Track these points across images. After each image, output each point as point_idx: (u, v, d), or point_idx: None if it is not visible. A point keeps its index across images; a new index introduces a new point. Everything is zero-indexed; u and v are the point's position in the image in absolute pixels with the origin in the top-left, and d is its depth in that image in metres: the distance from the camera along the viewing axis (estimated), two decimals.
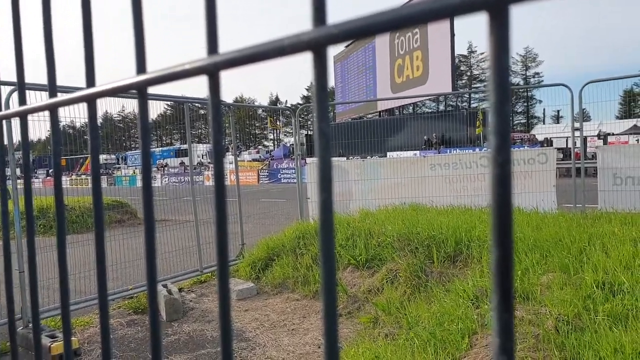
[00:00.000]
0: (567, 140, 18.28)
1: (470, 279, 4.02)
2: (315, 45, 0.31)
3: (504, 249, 0.26)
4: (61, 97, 0.56)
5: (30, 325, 4.03)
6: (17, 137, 4.34)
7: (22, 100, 0.66)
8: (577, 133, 7.27)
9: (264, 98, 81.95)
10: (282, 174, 27.32)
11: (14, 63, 0.74)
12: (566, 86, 7.38)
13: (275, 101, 74.11)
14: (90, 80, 0.53)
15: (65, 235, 0.65)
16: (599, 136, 20.26)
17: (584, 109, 7.81)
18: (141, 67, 0.46)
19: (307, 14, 0.33)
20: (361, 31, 0.29)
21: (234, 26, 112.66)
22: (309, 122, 53.16)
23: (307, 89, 69.74)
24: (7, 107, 4.03)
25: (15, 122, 0.72)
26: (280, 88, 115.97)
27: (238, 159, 7.69)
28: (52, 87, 0.59)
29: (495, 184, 0.26)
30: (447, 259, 4.79)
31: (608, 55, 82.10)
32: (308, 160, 10.92)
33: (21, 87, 0.67)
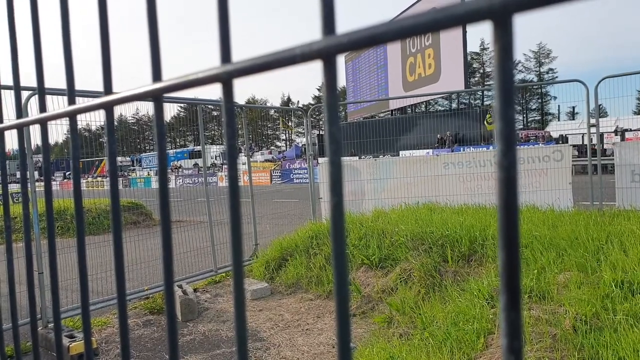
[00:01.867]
0: (582, 137, 18.00)
1: (485, 278, 3.99)
2: (325, 54, 0.31)
3: (511, 251, 0.26)
4: (80, 104, 0.57)
5: (50, 325, 4.12)
6: (34, 140, 4.43)
7: (42, 108, 0.68)
8: (593, 129, 7.16)
9: (275, 99, 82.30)
10: (295, 174, 27.39)
11: (29, 67, 0.76)
12: (581, 82, 7.27)
13: (287, 102, 74.31)
14: (108, 88, 0.54)
15: (84, 238, 0.67)
16: (616, 132, 19.90)
17: (600, 104, 7.68)
18: (157, 76, 0.47)
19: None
20: (369, 40, 0.29)
21: (244, 23, 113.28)
22: (321, 122, 53.15)
23: (318, 89, 69.76)
24: (26, 111, 4.11)
25: (34, 127, 0.75)
26: (292, 89, 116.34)
27: (251, 159, 7.73)
28: (71, 94, 0.61)
29: (501, 188, 0.26)
30: (461, 258, 4.76)
31: (625, 50, 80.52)
32: (320, 160, 10.93)
33: (41, 93, 0.69)
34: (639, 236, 4.25)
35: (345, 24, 0.32)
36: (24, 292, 0.96)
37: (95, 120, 5.30)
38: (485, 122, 18.46)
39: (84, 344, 0.72)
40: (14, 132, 0.84)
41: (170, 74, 0.46)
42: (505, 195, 0.26)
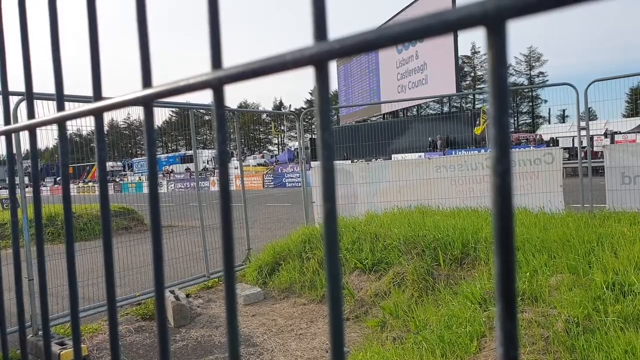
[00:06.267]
0: (573, 140, 18.17)
1: (478, 281, 4.00)
2: (317, 60, 0.31)
3: (506, 257, 0.26)
4: (69, 110, 0.57)
5: (40, 333, 4.07)
6: (24, 146, 4.39)
7: (31, 114, 0.67)
8: (583, 132, 7.23)
9: (268, 102, 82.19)
10: (287, 178, 27.35)
11: (20, 72, 0.75)
12: (571, 85, 7.34)
13: (279, 106, 74.32)
14: (97, 94, 0.54)
15: (74, 244, 0.66)
16: (605, 135, 20.11)
17: (589, 107, 7.76)
18: (147, 82, 0.46)
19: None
20: (361, 47, 0.29)
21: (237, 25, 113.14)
22: (313, 126, 53.16)
23: (310, 93, 69.86)
24: (15, 117, 4.07)
25: (24, 132, 0.74)
26: (284, 92, 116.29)
27: (243, 163, 7.71)
28: (60, 101, 0.60)
29: (496, 194, 0.26)
30: (454, 262, 4.77)
31: (614, 53, 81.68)
32: (312, 164, 10.93)
33: (30, 99, 0.68)
34: (630, 238, 4.30)
35: (337, 29, 0.32)
36: (14, 299, 0.95)
37: (85, 125, 5.26)
38: (483, 118, 18.56)
39: (74, 352, 0.71)
40: (3, 138, 0.83)
41: (165, 74, 0.45)
42: (500, 201, 0.26)
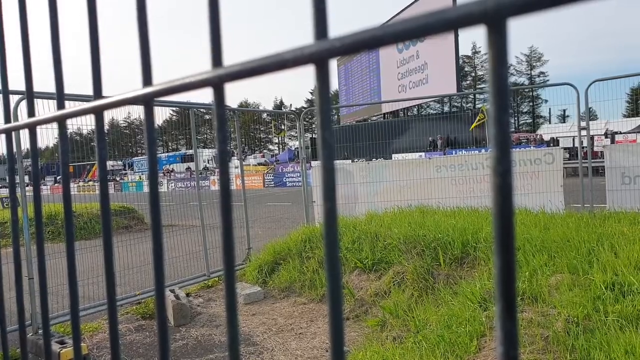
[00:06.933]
0: (573, 140, 18.17)
1: (478, 281, 4.00)
2: (317, 58, 0.31)
3: (506, 257, 0.26)
4: (69, 109, 0.57)
5: (40, 331, 4.07)
6: (25, 144, 4.39)
7: (31, 112, 0.67)
8: (583, 132, 7.22)
9: (268, 102, 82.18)
10: (288, 177, 27.35)
11: (20, 71, 0.75)
12: (572, 85, 7.33)
13: (279, 105, 74.30)
14: (98, 92, 0.54)
15: (74, 243, 0.66)
16: (606, 135, 20.11)
17: (590, 107, 7.76)
18: (147, 80, 0.46)
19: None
20: (362, 45, 0.29)
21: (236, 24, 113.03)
22: (313, 125, 53.14)
23: (310, 92, 69.80)
24: (16, 115, 4.07)
25: (24, 131, 0.74)
26: (285, 91, 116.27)
27: (243, 163, 7.71)
28: (60, 99, 0.60)
29: (496, 194, 0.26)
30: (454, 261, 4.77)
31: (614, 53, 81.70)
32: (313, 163, 10.93)
33: (30, 98, 0.68)
34: (630, 238, 4.29)
35: (337, 29, 0.32)
36: (14, 298, 0.95)
37: (86, 124, 5.27)
38: (480, 116, 18.55)
39: (74, 351, 0.71)
40: (4, 136, 0.83)
41: (165, 73, 0.45)
42: (500, 201, 0.26)
